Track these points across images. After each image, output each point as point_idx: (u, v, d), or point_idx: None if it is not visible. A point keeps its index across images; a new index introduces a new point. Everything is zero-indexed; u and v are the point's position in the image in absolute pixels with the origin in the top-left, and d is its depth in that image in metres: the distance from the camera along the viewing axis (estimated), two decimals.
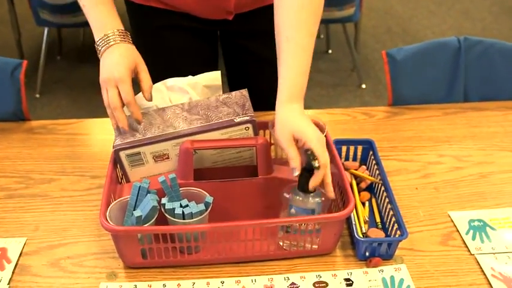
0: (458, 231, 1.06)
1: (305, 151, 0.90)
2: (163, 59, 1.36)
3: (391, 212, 1.02)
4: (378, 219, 1.07)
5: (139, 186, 0.95)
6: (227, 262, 0.98)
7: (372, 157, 1.15)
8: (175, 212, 0.94)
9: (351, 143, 1.18)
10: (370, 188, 1.14)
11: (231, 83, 1.48)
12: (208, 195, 0.97)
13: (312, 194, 0.93)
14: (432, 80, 1.47)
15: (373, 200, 1.12)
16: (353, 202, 0.94)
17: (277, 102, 0.98)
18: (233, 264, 0.98)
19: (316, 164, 0.89)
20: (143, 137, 1.01)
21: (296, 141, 0.93)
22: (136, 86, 1.05)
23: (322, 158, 0.90)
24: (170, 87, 1.12)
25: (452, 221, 1.08)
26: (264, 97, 1.20)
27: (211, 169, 1.06)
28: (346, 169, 1.14)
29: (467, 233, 1.05)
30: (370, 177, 1.13)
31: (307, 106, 0.99)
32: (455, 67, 1.47)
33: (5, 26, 3.31)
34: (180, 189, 0.97)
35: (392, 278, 0.96)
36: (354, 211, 1.06)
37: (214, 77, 1.14)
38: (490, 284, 0.94)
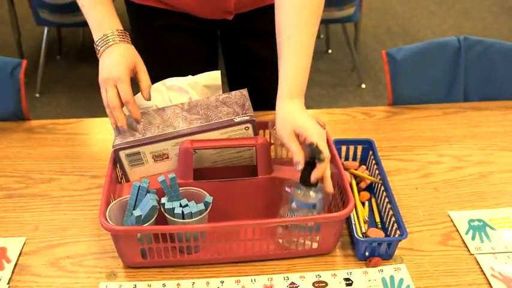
0: (458, 231, 1.06)
1: (308, 145, 0.91)
2: (163, 59, 1.36)
3: (390, 212, 1.02)
4: (377, 219, 1.07)
5: (139, 186, 0.95)
6: (227, 262, 0.98)
7: (372, 157, 1.15)
8: (174, 212, 0.94)
9: (351, 143, 1.18)
10: (370, 188, 1.14)
11: (231, 83, 1.48)
12: (207, 195, 0.97)
13: (313, 189, 0.93)
14: (432, 79, 1.47)
15: (373, 200, 1.12)
16: (353, 202, 0.94)
17: (277, 98, 0.98)
18: (233, 264, 0.98)
19: (321, 156, 0.89)
20: (143, 137, 1.01)
21: (297, 136, 0.94)
22: (136, 86, 1.05)
23: (325, 151, 0.91)
24: (170, 86, 1.12)
25: (452, 221, 1.08)
26: (264, 97, 1.20)
27: (211, 169, 1.06)
28: (346, 169, 1.14)
29: (467, 233, 1.05)
30: (369, 177, 1.13)
31: (307, 106, 0.99)
32: (455, 67, 1.47)
33: (5, 26, 3.31)
34: (180, 188, 0.97)
35: (392, 277, 0.96)
36: (354, 211, 1.06)
37: (214, 77, 1.14)
38: (489, 283, 0.94)
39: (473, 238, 1.04)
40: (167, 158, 1.03)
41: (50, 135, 1.32)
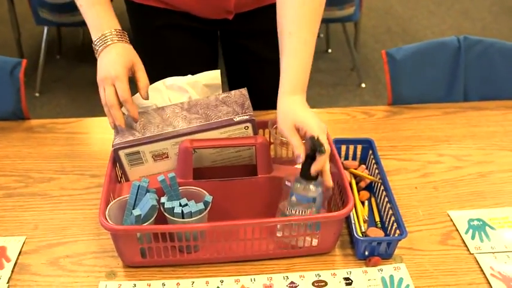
0: (457, 230, 1.06)
1: (309, 138, 0.91)
2: (163, 58, 1.36)
3: (390, 211, 1.02)
4: (377, 219, 1.07)
5: (139, 185, 0.95)
6: (226, 261, 0.98)
7: (372, 156, 1.15)
8: (174, 211, 0.94)
9: (351, 142, 1.18)
10: (370, 187, 1.14)
11: (231, 83, 1.48)
12: (207, 194, 0.97)
13: (313, 183, 0.93)
14: (432, 79, 1.47)
15: (373, 199, 1.12)
16: (352, 201, 0.94)
17: (279, 94, 0.99)
18: (232, 263, 0.98)
19: (322, 148, 0.90)
20: (142, 136, 1.01)
21: (298, 130, 0.94)
22: (135, 86, 1.05)
23: (325, 144, 0.91)
24: (169, 86, 1.12)
25: (451, 221, 1.08)
26: (264, 97, 1.20)
27: (211, 168, 1.06)
28: (346, 168, 1.14)
29: (466, 233, 1.05)
30: (369, 177, 1.13)
31: None
32: (455, 67, 1.47)
33: (5, 25, 3.31)
34: (180, 188, 0.97)
35: (391, 277, 0.96)
36: (354, 210, 1.06)
37: (213, 76, 1.14)
38: (489, 283, 0.94)
39: (472, 238, 1.04)
40: (167, 157, 1.03)
41: (50, 134, 1.32)
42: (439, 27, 3.71)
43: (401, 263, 0.98)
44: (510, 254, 1.00)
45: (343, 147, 1.19)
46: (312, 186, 0.94)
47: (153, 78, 1.15)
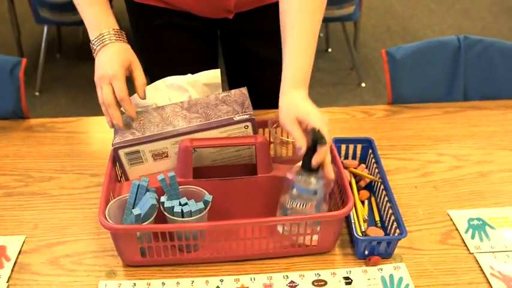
0: (457, 230, 1.06)
1: (311, 130, 0.91)
2: (163, 58, 1.36)
3: (390, 211, 1.02)
4: (377, 218, 1.07)
5: (139, 185, 0.95)
6: (226, 260, 0.98)
7: (371, 156, 1.15)
8: (174, 211, 0.94)
9: (350, 142, 1.18)
10: (370, 187, 1.14)
11: (231, 83, 1.48)
12: (207, 193, 0.97)
13: (314, 175, 0.93)
14: (432, 78, 1.47)
15: (373, 199, 1.12)
16: (352, 201, 0.94)
17: (281, 89, 0.99)
18: (232, 263, 0.98)
19: (323, 140, 0.90)
20: (142, 135, 1.01)
21: (300, 124, 0.94)
22: (132, 86, 1.05)
23: (327, 136, 0.92)
24: (169, 85, 1.12)
25: (451, 220, 1.08)
26: (264, 97, 1.20)
27: (211, 167, 1.06)
28: (346, 168, 1.14)
29: (466, 232, 1.05)
30: (369, 176, 1.13)
31: None
32: (455, 66, 1.47)
33: (5, 25, 3.31)
34: (179, 187, 0.97)
35: (391, 276, 0.96)
36: (353, 210, 1.06)
37: (213, 75, 1.14)
38: (489, 282, 0.95)
39: (472, 237, 1.04)
40: (166, 156, 1.03)
41: (50, 133, 1.32)
42: (439, 26, 3.71)
43: (401, 263, 0.98)
44: (510, 254, 1.00)
45: (343, 147, 1.19)
46: (313, 179, 0.94)
47: (153, 77, 1.15)
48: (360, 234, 1.00)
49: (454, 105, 1.45)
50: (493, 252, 1.01)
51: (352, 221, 1.02)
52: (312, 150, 0.92)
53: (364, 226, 1.04)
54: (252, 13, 1.30)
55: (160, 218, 0.95)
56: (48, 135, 1.32)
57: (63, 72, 3.18)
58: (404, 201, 1.12)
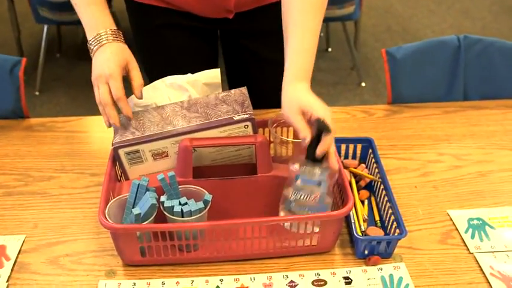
0: (457, 229, 1.06)
1: (315, 120, 0.92)
2: (163, 57, 1.36)
3: (390, 211, 1.02)
4: (377, 218, 1.07)
5: (138, 184, 0.95)
6: (226, 260, 0.98)
7: (371, 155, 1.15)
8: (174, 210, 0.94)
9: (350, 141, 1.18)
10: (369, 187, 1.14)
11: (230, 82, 1.48)
12: (207, 193, 0.97)
13: (319, 166, 0.93)
14: (432, 78, 1.47)
15: (372, 199, 1.12)
16: (352, 200, 0.94)
17: (283, 82, 0.99)
18: (232, 262, 0.98)
19: (328, 129, 0.90)
20: (142, 135, 1.01)
21: (303, 115, 0.94)
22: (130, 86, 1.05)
23: (331, 126, 0.92)
24: (169, 84, 1.12)
25: (451, 220, 1.08)
26: (264, 97, 1.20)
27: (210, 167, 1.06)
28: (346, 167, 1.14)
29: (466, 232, 1.05)
30: (369, 176, 1.13)
31: None
32: (455, 66, 1.46)
33: (5, 24, 3.31)
34: (179, 187, 0.97)
35: (391, 276, 0.96)
36: (353, 209, 1.06)
37: (213, 75, 1.14)
38: (488, 282, 0.94)
39: (472, 237, 1.04)
40: (166, 156, 1.03)
41: (50, 133, 1.32)
42: (439, 26, 3.71)
43: (401, 262, 0.98)
44: (510, 254, 1.00)
45: (343, 146, 1.18)
46: (317, 170, 0.94)
47: (153, 77, 1.15)
48: (360, 234, 1.00)
49: (454, 105, 1.45)
50: (492, 252, 1.01)
51: (352, 221, 1.02)
52: (316, 140, 0.92)
53: (364, 226, 1.04)
54: (252, 13, 1.30)
55: (160, 218, 0.95)
56: (48, 134, 1.32)
57: (63, 72, 3.18)
58: (404, 201, 1.12)
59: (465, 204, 1.12)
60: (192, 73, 1.13)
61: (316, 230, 0.97)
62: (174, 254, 0.96)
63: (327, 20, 2.96)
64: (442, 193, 1.15)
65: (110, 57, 1.03)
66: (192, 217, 0.93)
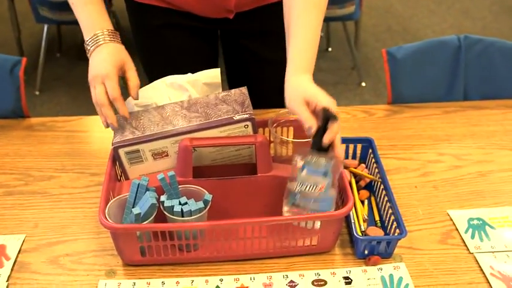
0: (457, 229, 1.06)
1: (321, 109, 0.92)
2: (163, 57, 1.36)
3: (390, 211, 1.02)
4: (377, 218, 1.07)
5: (138, 184, 0.95)
6: (226, 260, 0.98)
7: (372, 155, 1.15)
8: (174, 210, 0.94)
9: (351, 141, 1.18)
10: (370, 187, 1.14)
11: (231, 83, 1.48)
12: (207, 193, 0.97)
13: (324, 155, 0.93)
14: (432, 78, 1.47)
15: (372, 199, 1.12)
16: (352, 200, 0.94)
17: (286, 75, 0.99)
18: (232, 262, 0.98)
19: (335, 117, 0.91)
20: (142, 135, 1.01)
21: (307, 105, 0.95)
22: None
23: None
24: (169, 84, 1.12)
25: (451, 220, 1.08)
26: (264, 97, 1.20)
27: (210, 167, 1.06)
28: (346, 167, 1.14)
29: (466, 232, 1.05)
30: (369, 176, 1.13)
31: None
32: (455, 66, 1.46)
33: (5, 24, 3.31)
34: (179, 186, 0.97)
35: (391, 276, 0.96)
36: (353, 209, 1.06)
37: (213, 75, 1.14)
38: (489, 282, 0.94)
39: (472, 237, 1.04)
40: (166, 155, 1.03)
41: (50, 132, 1.32)
42: (440, 26, 3.71)
43: (401, 262, 0.98)
44: (510, 254, 1.00)
45: (343, 146, 1.18)
46: (323, 160, 0.94)
47: (153, 77, 1.15)
48: (360, 234, 1.00)
49: (454, 105, 1.45)
50: (493, 252, 1.01)
51: (352, 221, 1.02)
52: (322, 129, 0.92)
53: (364, 226, 1.04)
54: (252, 13, 1.30)
55: (160, 218, 0.95)
56: (48, 134, 1.32)
57: (63, 71, 3.18)
58: (404, 201, 1.12)
59: (465, 204, 1.12)
60: (192, 73, 1.13)
61: (318, 224, 0.97)
62: (174, 253, 0.96)
63: (327, 20, 2.96)
64: (442, 193, 1.15)
65: (106, 57, 1.03)
66: (192, 217, 0.93)
